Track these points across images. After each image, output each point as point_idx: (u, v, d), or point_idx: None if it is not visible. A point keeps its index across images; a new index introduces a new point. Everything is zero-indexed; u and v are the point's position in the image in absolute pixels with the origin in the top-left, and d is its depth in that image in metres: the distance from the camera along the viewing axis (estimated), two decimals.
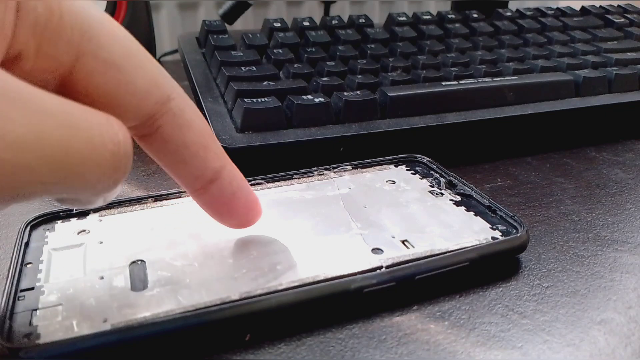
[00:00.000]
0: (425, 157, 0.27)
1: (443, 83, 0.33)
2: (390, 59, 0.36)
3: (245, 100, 0.29)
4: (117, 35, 0.15)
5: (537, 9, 0.45)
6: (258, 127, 0.28)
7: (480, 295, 0.19)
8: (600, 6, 0.47)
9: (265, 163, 0.28)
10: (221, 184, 0.17)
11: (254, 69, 0.33)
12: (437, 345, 0.17)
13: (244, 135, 0.28)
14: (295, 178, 0.25)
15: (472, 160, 0.31)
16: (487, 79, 0.34)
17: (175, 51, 0.57)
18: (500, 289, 0.20)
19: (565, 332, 0.17)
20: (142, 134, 0.16)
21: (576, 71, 0.36)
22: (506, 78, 0.34)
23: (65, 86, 0.14)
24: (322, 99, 0.30)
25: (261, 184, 0.24)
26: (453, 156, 0.30)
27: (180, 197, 0.23)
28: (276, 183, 0.25)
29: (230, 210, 0.19)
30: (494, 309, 0.18)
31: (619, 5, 0.48)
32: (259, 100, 0.29)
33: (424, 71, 0.34)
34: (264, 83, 0.31)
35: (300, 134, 0.28)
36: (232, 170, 0.18)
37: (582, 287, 0.20)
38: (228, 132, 0.28)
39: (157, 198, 0.23)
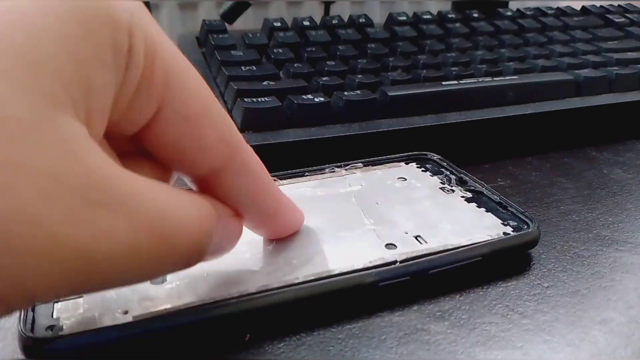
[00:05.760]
0: (435, 155, 0.28)
1: (443, 83, 0.33)
2: (391, 59, 0.36)
3: (245, 99, 0.29)
4: (196, 88, 0.14)
5: (538, 9, 0.45)
6: (258, 126, 0.28)
7: (481, 295, 0.19)
8: (601, 6, 0.47)
9: (265, 163, 0.27)
10: (278, 221, 0.19)
11: (254, 68, 0.33)
12: (437, 345, 0.17)
13: (244, 135, 0.28)
14: (307, 175, 0.25)
15: (473, 160, 0.31)
16: (487, 79, 0.34)
17: None
18: (501, 289, 0.19)
19: (566, 332, 0.17)
20: (204, 185, 0.16)
21: (577, 71, 0.36)
22: (507, 78, 0.34)
23: (137, 137, 0.14)
24: (322, 99, 0.30)
25: (274, 180, 0.25)
26: (453, 156, 0.30)
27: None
28: (288, 180, 0.25)
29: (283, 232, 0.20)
30: (494, 309, 0.18)
31: (619, 5, 0.48)
32: (259, 99, 0.29)
33: (425, 71, 0.34)
34: (264, 83, 0.31)
35: (300, 134, 0.28)
36: (288, 211, 0.19)
37: (583, 287, 0.20)
38: None
39: None
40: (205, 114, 0.14)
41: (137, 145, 0.14)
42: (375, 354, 0.16)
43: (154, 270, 0.13)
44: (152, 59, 0.13)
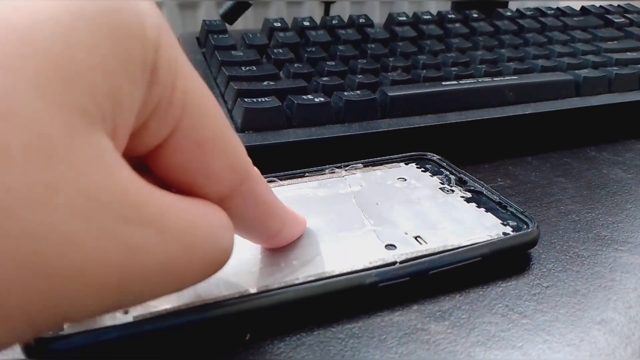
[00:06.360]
0: (435, 155, 0.28)
1: (443, 83, 0.33)
2: (391, 59, 0.36)
3: (246, 100, 0.29)
4: (211, 114, 0.14)
5: (537, 9, 0.45)
6: (258, 126, 0.28)
7: (481, 295, 0.19)
8: (600, 6, 0.47)
9: (265, 163, 0.27)
10: (281, 238, 0.19)
11: (254, 68, 0.33)
12: (437, 345, 0.17)
13: (244, 135, 0.28)
14: (307, 176, 0.25)
15: (472, 160, 0.31)
16: (487, 79, 0.34)
17: None
18: (501, 289, 0.20)
19: (565, 331, 0.17)
20: None
21: (576, 71, 0.36)
22: (506, 78, 0.34)
23: (147, 158, 0.14)
24: (322, 99, 0.30)
25: (274, 181, 0.25)
26: (453, 156, 0.30)
27: None
28: (288, 180, 0.25)
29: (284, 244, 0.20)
30: (494, 309, 0.18)
31: (619, 5, 0.48)
32: (259, 100, 0.29)
33: (424, 71, 0.34)
34: (264, 83, 0.31)
35: (300, 134, 0.28)
36: (291, 226, 0.19)
37: (582, 287, 0.20)
38: None
39: None
40: (217, 140, 0.14)
41: (138, 161, 0.14)
42: (375, 354, 0.16)
43: (188, 281, 0.13)
44: (173, 79, 0.13)
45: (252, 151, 0.27)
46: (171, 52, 0.12)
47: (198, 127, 0.13)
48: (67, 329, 0.15)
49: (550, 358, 0.16)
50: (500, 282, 0.20)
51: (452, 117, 0.31)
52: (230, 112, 0.30)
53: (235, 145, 0.15)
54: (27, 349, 0.15)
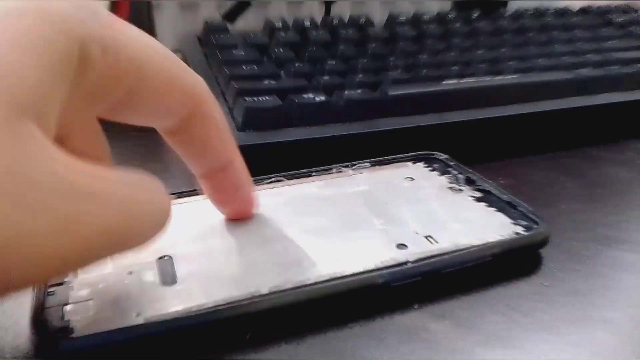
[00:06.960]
0: (442, 154, 0.28)
1: (444, 82, 0.33)
2: (391, 58, 0.36)
3: (247, 99, 0.29)
4: (159, 62, 0.16)
5: (538, 9, 0.45)
6: (259, 125, 0.28)
7: (481, 295, 0.19)
8: (600, 6, 0.47)
9: (266, 162, 0.27)
10: (228, 174, 0.20)
11: (255, 67, 0.33)
12: (438, 344, 0.17)
13: (245, 134, 0.28)
14: (313, 175, 0.25)
15: (474, 159, 0.31)
16: (488, 78, 0.34)
17: (177, 50, 0.57)
18: (502, 288, 0.19)
19: (566, 331, 0.17)
20: (171, 132, 0.18)
21: (578, 70, 0.36)
22: (507, 77, 0.34)
23: (112, 112, 0.16)
24: (323, 98, 0.30)
25: (281, 180, 0.25)
26: (454, 155, 0.30)
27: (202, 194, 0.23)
28: (295, 180, 0.25)
29: (230, 198, 0.21)
30: (495, 308, 0.18)
31: (619, 5, 0.48)
32: (260, 99, 0.29)
33: (425, 70, 0.34)
34: (265, 82, 0.31)
35: (301, 133, 0.28)
36: (240, 165, 0.20)
37: (584, 286, 0.20)
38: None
39: (180, 195, 0.23)
40: (169, 80, 0.16)
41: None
42: (376, 354, 0.16)
43: (132, 243, 0.14)
44: (114, 55, 0.14)
45: (252, 150, 0.27)
46: (102, 36, 0.14)
47: (151, 75, 0.15)
48: (77, 331, 0.15)
49: (551, 357, 0.16)
50: (501, 281, 0.20)
51: (453, 116, 0.31)
52: (231, 111, 0.30)
53: (182, 69, 0.17)
54: (37, 351, 0.15)
